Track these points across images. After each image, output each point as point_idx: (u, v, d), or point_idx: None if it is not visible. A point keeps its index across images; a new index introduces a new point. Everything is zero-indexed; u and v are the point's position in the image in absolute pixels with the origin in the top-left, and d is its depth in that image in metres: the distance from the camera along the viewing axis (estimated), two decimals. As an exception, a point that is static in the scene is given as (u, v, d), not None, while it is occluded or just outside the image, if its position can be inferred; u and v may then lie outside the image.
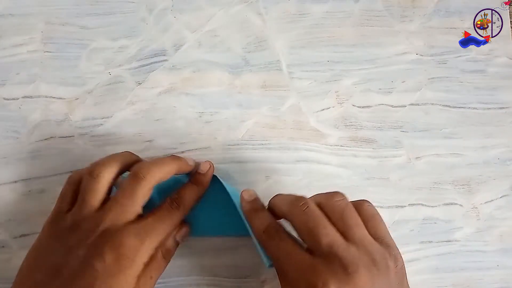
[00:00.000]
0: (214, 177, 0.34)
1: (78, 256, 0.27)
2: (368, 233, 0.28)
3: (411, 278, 0.37)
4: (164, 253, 0.31)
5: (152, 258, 0.30)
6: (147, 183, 0.30)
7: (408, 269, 0.36)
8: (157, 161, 0.31)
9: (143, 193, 0.30)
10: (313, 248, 0.27)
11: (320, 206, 0.29)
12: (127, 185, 0.30)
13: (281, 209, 0.30)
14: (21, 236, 0.35)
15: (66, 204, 0.30)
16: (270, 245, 0.29)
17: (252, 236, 0.31)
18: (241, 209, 0.32)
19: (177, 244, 0.32)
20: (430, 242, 0.37)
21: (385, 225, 0.29)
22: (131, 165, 0.32)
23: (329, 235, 0.27)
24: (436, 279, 0.37)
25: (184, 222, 0.33)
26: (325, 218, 0.28)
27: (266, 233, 0.30)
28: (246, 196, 0.32)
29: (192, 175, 0.34)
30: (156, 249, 0.30)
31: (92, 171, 0.30)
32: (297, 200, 0.29)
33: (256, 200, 0.32)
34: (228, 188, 0.33)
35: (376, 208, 0.30)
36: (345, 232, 0.27)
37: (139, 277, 0.28)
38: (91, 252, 0.27)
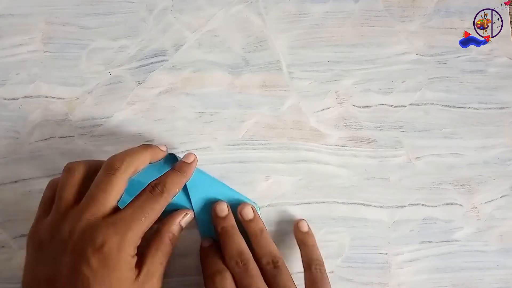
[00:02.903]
0: (209, 177, 0.35)
1: (65, 263, 0.26)
2: None
3: (411, 278, 0.37)
4: (171, 239, 0.31)
5: (160, 243, 0.30)
6: (122, 174, 0.29)
7: (408, 269, 0.37)
8: (130, 151, 0.31)
9: (119, 185, 0.29)
10: None
11: (257, 264, 0.31)
12: (101, 178, 0.29)
13: (225, 258, 0.32)
14: (21, 236, 0.35)
15: (47, 209, 0.30)
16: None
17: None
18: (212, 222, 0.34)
19: (181, 229, 0.33)
20: (430, 242, 0.37)
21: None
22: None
23: None
24: (436, 279, 0.37)
25: (187, 208, 0.34)
26: (260, 278, 0.30)
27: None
28: (218, 211, 0.33)
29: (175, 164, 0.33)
30: (161, 234, 0.30)
31: (67, 168, 0.30)
32: (239, 256, 0.31)
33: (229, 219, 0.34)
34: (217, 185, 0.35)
35: (324, 270, 0.33)
36: None
37: (139, 267, 0.28)
38: (76, 258, 0.26)
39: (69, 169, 0.30)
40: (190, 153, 0.33)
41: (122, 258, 0.27)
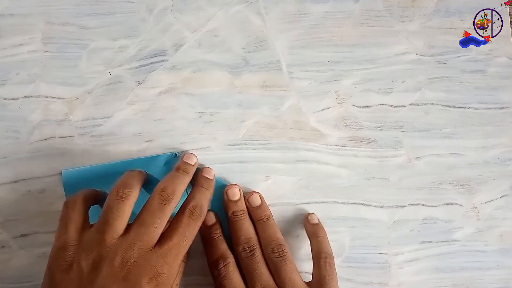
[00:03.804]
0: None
1: None
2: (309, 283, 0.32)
3: (411, 278, 0.37)
4: (184, 259, 0.32)
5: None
6: (174, 204, 0.29)
7: (408, 269, 0.37)
8: (177, 180, 0.31)
9: (169, 215, 0.29)
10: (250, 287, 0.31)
11: (263, 253, 0.32)
12: (156, 208, 0.28)
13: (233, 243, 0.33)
14: (21, 236, 0.35)
15: (74, 232, 0.28)
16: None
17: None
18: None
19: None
20: (430, 242, 0.37)
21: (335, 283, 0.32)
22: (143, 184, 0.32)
23: (263, 280, 0.31)
24: (436, 279, 0.37)
25: None
26: (264, 264, 0.32)
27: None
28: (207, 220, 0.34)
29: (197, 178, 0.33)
30: None
31: (118, 192, 0.28)
32: (246, 242, 0.32)
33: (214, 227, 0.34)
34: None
35: (333, 264, 0.33)
36: (277, 279, 0.31)
37: None
38: (128, 287, 0.26)
39: (121, 196, 0.28)
40: (208, 168, 0.34)
41: (170, 284, 0.28)
